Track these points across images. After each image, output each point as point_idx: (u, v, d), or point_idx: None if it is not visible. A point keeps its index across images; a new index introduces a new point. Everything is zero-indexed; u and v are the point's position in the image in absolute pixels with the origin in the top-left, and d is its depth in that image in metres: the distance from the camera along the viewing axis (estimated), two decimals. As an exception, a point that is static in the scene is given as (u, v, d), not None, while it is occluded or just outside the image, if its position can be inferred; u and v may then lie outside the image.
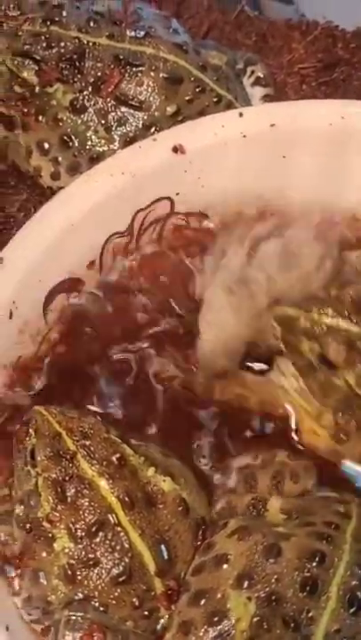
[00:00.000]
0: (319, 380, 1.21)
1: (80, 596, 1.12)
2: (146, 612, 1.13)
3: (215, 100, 1.46)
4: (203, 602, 1.09)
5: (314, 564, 1.08)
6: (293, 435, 1.25)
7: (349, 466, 1.23)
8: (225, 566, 1.10)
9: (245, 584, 1.08)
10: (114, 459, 1.15)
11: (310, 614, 1.06)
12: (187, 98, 1.45)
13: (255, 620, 1.06)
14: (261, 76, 1.55)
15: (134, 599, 1.12)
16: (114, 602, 1.12)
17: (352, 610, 1.06)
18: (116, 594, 1.12)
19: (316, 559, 1.08)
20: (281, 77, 1.62)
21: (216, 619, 1.07)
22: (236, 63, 1.55)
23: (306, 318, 1.20)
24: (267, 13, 1.77)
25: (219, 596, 1.08)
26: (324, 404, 1.21)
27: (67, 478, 1.14)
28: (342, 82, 1.61)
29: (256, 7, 1.77)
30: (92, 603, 1.12)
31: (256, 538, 1.12)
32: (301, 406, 1.24)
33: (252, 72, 1.55)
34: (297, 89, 1.61)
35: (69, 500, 1.13)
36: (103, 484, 1.14)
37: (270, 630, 1.05)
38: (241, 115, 1.37)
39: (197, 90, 1.45)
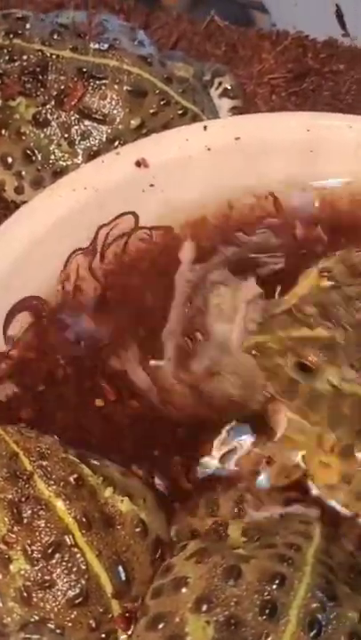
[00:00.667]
0: (304, 394, 1.18)
1: (36, 618, 1.10)
2: (103, 635, 1.11)
3: (180, 112, 1.45)
4: (161, 626, 1.07)
5: (274, 586, 1.06)
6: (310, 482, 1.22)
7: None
8: (184, 590, 1.08)
9: (204, 607, 1.05)
10: (71, 479, 1.13)
11: (270, 638, 1.03)
12: (151, 111, 1.43)
13: None
14: (229, 87, 1.54)
15: (91, 621, 1.10)
16: (70, 624, 1.10)
17: (312, 633, 1.03)
18: (73, 616, 1.10)
19: (276, 582, 1.06)
20: (251, 88, 1.61)
21: None
22: (204, 75, 1.54)
23: (273, 341, 1.18)
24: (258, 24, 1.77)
25: (177, 620, 1.06)
26: (317, 422, 1.19)
27: (23, 499, 1.12)
28: (312, 92, 1.60)
29: (245, 17, 1.76)
30: (49, 625, 1.10)
31: (215, 560, 1.10)
32: (302, 442, 1.22)
33: (220, 83, 1.54)
34: (267, 99, 1.60)
35: (25, 521, 1.11)
36: (60, 504, 1.12)
37: None
38: (205, 128, 1.37)
39: (162, 102, 1.44)
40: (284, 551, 1.09)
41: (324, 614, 1.05)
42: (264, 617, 1.03)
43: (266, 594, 1.05)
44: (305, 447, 1.21)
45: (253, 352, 1.19)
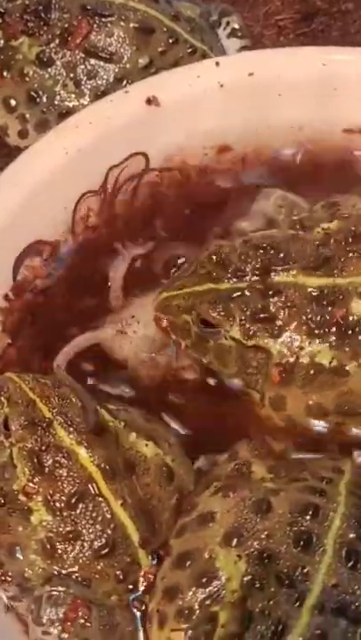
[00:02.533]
0: (213, 350, 1.17)
1: (60, 570, 1.06)
2: (130, 586, 1.07)
3: (190, 50, 1.40)
4: (188, 564, 1.04)
5: (307, 517, 1.03)
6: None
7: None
8: (211, 524, 1.06)
9: (235, 541, 1.03)
10: None
11: (305, 570, 1.00)
12: (159, 49, 1.39)
13: (247, 578, 1.01)
14: (237, 27, 1.50)
15: (118, 572, 1.06)
16: (97, 576, 1.06)
17: (350, 564, 1.01)
18: (99, 567, 1.06)
19: (310, 512, 1.04)
20: (257, 30, 1.56)
21: (205, 580, 1.02)
22: (211, 15, 1.49)
23: (177, 298, 1.17)
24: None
25: (206, 555, 1.03)
26: (235, 376, 1.17)
27: (43, 448, 1.08)
28: (321, 33, 1.56)
29: None
30: (74, 577, 1.06)
31: (243, 494, 1.07)
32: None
33: (228, 23, 1.49)
34: (274, 41, 1.55)
35: (47, 470, 1.07)
36: (82, 452, 1.08)
37: (263, 589, 1.00)
38: (218, 64, 1.32)
39: (170, 41, 1.39)
40: (316, 484, 1.08)
41: None
42: (299, 549, 1.02)
43: (299, 525, 1.03)
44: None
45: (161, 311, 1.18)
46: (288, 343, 1.12)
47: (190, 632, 1.01)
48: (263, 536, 1.03)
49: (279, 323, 1.12)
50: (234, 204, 1.30)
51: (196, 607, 1.01)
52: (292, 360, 1.12)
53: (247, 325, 1.13)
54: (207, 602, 1.01)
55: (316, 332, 1.11)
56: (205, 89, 1.30)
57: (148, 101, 1.28)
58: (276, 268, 1.14)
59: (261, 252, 1.15)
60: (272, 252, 1.15)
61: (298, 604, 0.99)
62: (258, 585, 1.01)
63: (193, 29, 1.41)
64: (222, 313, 1.14)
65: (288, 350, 1.12)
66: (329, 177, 1.31)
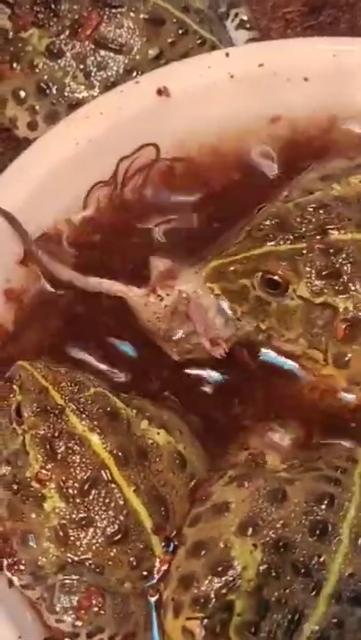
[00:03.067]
0: (276, 313, 1.16)
1: (74, 558, 1.06)
2: (144, 573, 1.07)
3: (199, 42, 1.39)
4: (203, 552, 1.04)
5: (323, 506, 1.04)
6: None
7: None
8: (226, 514, 1.05)
9: (250, 531, 1.03)
10: (105, 412, 1.09)
11: (322, 559, 1.01)
12: (169, 40, 1.38)
13: (263, 567, 1.01)
14: (246, 18, 1.49)
15: (131, 559, 1.06)
16: (110, 563, 1.06)
17: None
18: (112, 554, 1.06)
19: (325, 502, 1.04)
20: (265, 23, 1.55)
21: (220, 569, 1.02)
22: (219, 7, 1.48)
23: (234, 263, 1.16)
24: None
25: (221, 545, 1.03)
26: (297, 338, 1.17)
27: (56, 434, 1.07)
28: (329, 25, 1.54)
29: None
30: (87, 564, 1.05)
31: (258, 483, 1.07)
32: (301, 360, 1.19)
33: (236, 15, 1.49)
34: (282, 34, 1.54)
35: (60, 457, 1.07)
36: (95, 439, 1.07)
37: (279, 578, 1.00)
38: (228, 55, 1.31)
39: (180, 32, 1.38)
40: (330, 473, 1.08)
41: None
42: (315, 538, 1.02)
43: (315, 514, 1.03)
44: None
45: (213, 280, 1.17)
46: (353, 299, 1.12)
47: (206, 621, 1.01)
48: (279, 525, 1.03)
49: (343, 279, 1.13)
50: (246, 192, 1.29)
51: (212, 596, 1.01)
52: (356, 315, 1.12)
53: (315, 282, 1.13)
54: (223, 590, 1.01)
55: None
56: (216, 80, 1.30)
57: (159, 92, 1.28)
58: (332, 227, 1.14)
59: (315, 212, 1.15)
60: (324, 212, 1.15)
61: (314, 592, 1.00)
62: (274, 574, 1.01)
63: (202, 20, 1.40)
64: (291, 270, 1.13)
65: (353, 305, 1.12)
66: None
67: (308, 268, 1.13)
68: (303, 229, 1.14)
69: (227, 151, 1.33)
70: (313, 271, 1.13)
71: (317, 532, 1.02)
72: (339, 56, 1.30)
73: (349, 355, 1.14)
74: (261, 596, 1.00)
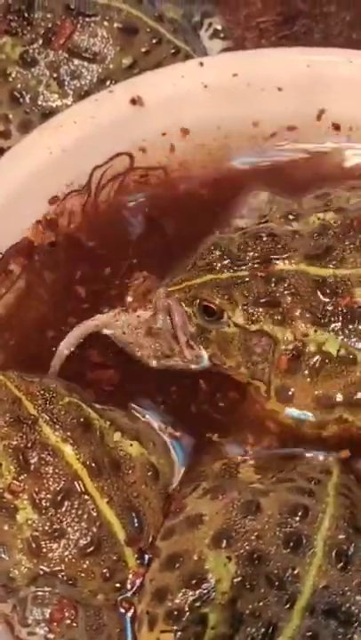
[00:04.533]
0: (216, 341, 1.16)
1: (46, 569, 1.05)
2: (117, 584, 1.06)
3: (173, 51, 1.39)
4: (177, 565, 1.03)
5: (297, 518, 1.03)
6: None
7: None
8: (199, 526, 1.05)
9: (224, 543, 1.02)
10: (78, 423, 1.08)
11: (296, 571, 1.00)
12: (143, 49, 1.38)
13: (237, 580, 1.01)
14: (220, 28, 1.49)
15: (104, 570, 1.05)
16: (83, 574, 1.05)
17: (340, 565, 1.01)
18: (85, 566, 1.05)
19: (299, 513, 1.03)
20: (239, 32, 1.55)
21: (194, 581, 1.01)
22: (193, 16, 1.48)
23: (178, 291, 1.17)
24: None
25: (195, 557, 1.03)
26: (238, 366, 1.16)
27: (29, 445, 1.07)
28: (303, 35, 1.55)
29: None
30: (60, 576, 1.05)
31: (232, 495, 1.06)
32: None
33: (210, 24, 1.49)
34: (256, 44, 1.54)
35: (32, 468, 1.06)
36: (68, 449, 1.07)
37: (253, 590, 1.00)
38: (202, 64, 1.31)
39: (154, 41, 1.38)
40: (304, 484, 1.07)
41: (351, 546, 1.02)
42: (288, 550, 1.02)
43: (289, 526, 1.03)
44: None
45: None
46: (293, 330, 1.12)
47: (180, 634, 1.01)
48: (253, 537, 1.03)
49: (283, 309, 1.12)
50: (219, 202, 1.29)
51: (186, 609, 1.01)
52: (298, 346, 1.12)
53: (250, 310, 1.13)
54: (197, 603, 1.01)
55: (322, 320, 1.11)
56: (189, 89, 1.29)
57: (133, 101, 1.28)
58: (277, 257, 1.13)
59: (260, 241, 1.15)
60: (271, 241, 1.15)
61: (288, 605, 0.99)
62: (248, 586, 1.00)
63: (176, 30, 1.40)
64: (226, 297, 1.13)
65: (294, 337, 1.12)
66: (315, 175, 1.31)
67: (244, 296, 1.13)
68: (246, 258, 1.14)
69: (200, 161, 1.33)
70: (250, 298, 1.13)
71: (291, 544, 1.02)
72: (313, 66, 1.30)
73: (292, 389, 1.13)
74: (235, 609, 0.99)
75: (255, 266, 1.13)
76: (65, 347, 1.21)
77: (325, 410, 1.14)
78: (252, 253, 1.14)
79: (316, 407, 1.14)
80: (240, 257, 1.14)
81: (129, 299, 1.20)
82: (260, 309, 1.12)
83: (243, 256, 1.14)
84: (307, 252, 1.13)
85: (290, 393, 1.13)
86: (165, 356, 1.20)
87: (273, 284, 1.12)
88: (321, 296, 1.11)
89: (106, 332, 1.21)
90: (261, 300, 1.12)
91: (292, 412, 1.15)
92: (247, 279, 1.13)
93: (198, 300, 1.15)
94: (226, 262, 1.14)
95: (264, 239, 1.15)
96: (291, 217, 1.18)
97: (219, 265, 1.14)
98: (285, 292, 1.12)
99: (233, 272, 1.14)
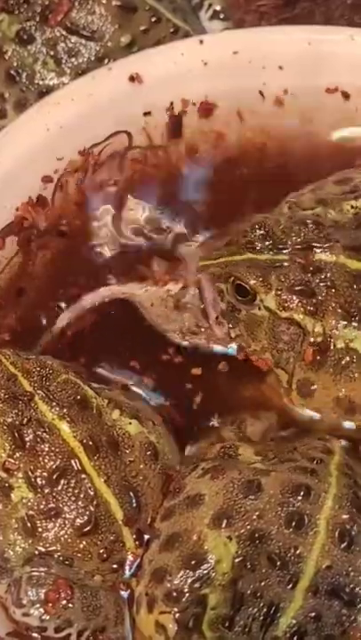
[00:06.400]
0: (244, 322, 1.15)
1: (41, 549, 1.03)
2: (115, 565, 1.04)
3: (172, 30, 1.38)
4: (176, 546, 1.01)
5: (299, 497, 1.01)
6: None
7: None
8: (199, 506, 1.03)
9: (224, 523, 1.01)
10: (75, 401, 1.06)
11: (298, 551, 0.98)
12: (142, 28, 1.36)
13: (237, 560, 0.99)
14: (219, 8, 1.47)
15: (101, 551, 1.03)
16: (79, 554, 1.03)
17: (343, 545, 0.99)
18: (82, 546, 1.03)
19: (301, 493, 1.02)
20: (238, 16, 1.52)
21: (193, 562, 0.99)
22: (192, -3, 1.46)
23: (214, 265, 1.15)
24: None
25: (195, 537, 1.01)
26: (263, 351, 1.15)
27: (24, 422, 1.04)
28: (304, 18, 1.52)
29: None
30: (56, 556, 1.02)
31: (232, 475, 1.04)
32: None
33: (210, 5, 1.47)
34: (256, 27, 1.51)
35: (28, 445, 1.04)
36: (64, 427, 1.04)
37: (255, 570, 0.98)
38: (201, 42, 1.29)
39: (153, 20, 1.36)
40: (306, 464, 1.06)
41: (354, 526, 1.01)
42: (291, 529, 1.00)
43: (291, 506, 1.01)
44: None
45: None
46: (324, 323, 1.10)
47: (179, 615, 0.99)
48: (254, 517, 1.01)
49: (317, 300, 1.10)
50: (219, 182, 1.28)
51: (186, 590, 0.99)
52: (326, 341, 1.10)
53: (283, 296, 1.11)
54: (196, 584, 0.99)
55: (354, 316, 1.09)
56: (189, 67, 1.27)
57: (132, 78, 1.26)
58: (319, 246, 1.12)
59: (305, 227, 1.13)
60: (315, 229, 1.13)
61: (291, 585, 0.98)
62: (249, 566, 0.98)
63: (175, 10, 1.39)
64: (260, 279, 1.11)
65: (323, 330, 1.10)
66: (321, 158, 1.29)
67: (280, 280, 1.11)
68: (288, 242, 1.13)
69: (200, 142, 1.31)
70: (285, 284, 1.11)
71: (293, 523, 1.00)
72: (314, 44, 1.28)
73: (315, 385, 1.12)
74: (236, 590, 0.98)
75: (296, 252, 1.12)
76: (86, 303, 1.21)
77: (345, 413, 1.12)
78: (295, 238, 1.13)
79: (335, 409, 1.12)
80: (283, 240, 1.13)
81: (156, 268, 1.19)
82: (294, 297, 1.11)
83: (285, 240, 1.13)
84: (346, 243, 1.12)
85: (312, 388, 1.12)
86: (192, 333, 1.18)
87: (310, 274, 1.11)
88: (356, 291, 1.10)
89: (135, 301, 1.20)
90: (296, 288, 1.10)
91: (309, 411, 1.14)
92: (286, 264, 1.11)
93: (233, 278, 1.13)
94: (267, 243, 1.13)
95: (309, 226, 1.13)
96: (325, 204, 1.17)
97: (260, 245, 1.13)
98: (321, 284, 1.10)
99: (273, 255, 1.12)
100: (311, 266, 1.11)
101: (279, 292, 1.11)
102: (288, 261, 1.11)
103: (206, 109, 1.28)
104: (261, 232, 1.13)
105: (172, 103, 1.27)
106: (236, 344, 1.17)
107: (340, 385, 1.11)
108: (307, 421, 1.15)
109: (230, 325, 1.16)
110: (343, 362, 1.10)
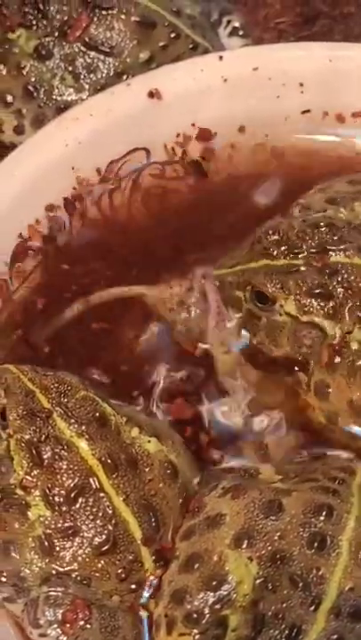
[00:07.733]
0: (265, 328, 1.14)
1: (59, 569, 1.00)
2: (133, 586, 1.01)
3: (191, 46, 1.37)
4: (197, 566, 0.99)
5: (321, 518, 0.99)
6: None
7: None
8: (220, 526, 1.01)
9: (245, 543, 0.99)
10: (93, 418, 1.04)
11: (320, 572, 0.96)
12: (161, 44, 1.35)
13: (259, 581, 0.97)
14: (238, 25, 1.46)
15: (120, 570, 1.01)
16: (97, 574, 1.01)
17: None
18: (100, 565, 1.01)
19: (324, 513, 1.00)
20: (257, 34, 1.52)
21: (214, 583, 0.97)
22: (211, 15, 1.46)
23: (230, 274, 1.16)
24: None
25: (215, 558, 0.99)
26: (281, 354, 1.14)
27: (42, 439, 1.03)
28: (323, 36, 1.52)
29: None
30: (73, 576, 1.00)
31: (253, 495, 1.02)
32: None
33: (229, 22, 1.46)
34: (275, 44, 1.51)
35: (46, 462, 1.02)
36: (83, 444, 1.03)
37: (276, 591, 0.96)
38: (221, 58, 1.29)
39: (172, 36, 1.36)
40: (328, 484, 1.04)
41: None
42: (313, 550, 0.98)
43: (313, 526, 0.99)
44: None
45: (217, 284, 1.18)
46: (342, 325, 1.09)
47: (199, 636, 0.97)
48: (275, 537, 0.99)
49: (335, 302, 1.09)
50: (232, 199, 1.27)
51: (206, 611, 0.97)
52: (342, 343, 1.09)
53: (303, 300, 1.10)
54: (217, 605, 0.97)
55: None
56: (209, 83, 1.27)
57: (151, 94, 1.26)
58: (334, 248, 1.11)
59: (319, 230, 1.12)
60: (328, 232, 1.12)
61: (313, 607, 0.96)
62: (270, 587, 0.97)
63: (194, 26, 1.38)
64: (279, 285, 1.11)
65: (340, 332, 1.09)
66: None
67: (298, 285, 1.10)
68: (303, 246, 1.12)
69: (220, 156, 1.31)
70: (303, 288, 1.10)
71: (316, 544, 0.98)
72: (335, 61, 1.27)
73: (331, 388, 1.11)
74: (257, 611, 0.96)
75: (311, 255, 1.11)
76: (101, 296, 1.21)
77: (358, 417, 1.11)
78: (309, 242, 1.12)
79: (350, 413, 1.11)
80: (298, 245, 1.12)
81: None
82: (313, 301, 1.10)
83: (300, 244, 1.12)
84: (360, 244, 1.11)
85: (328, 390, 1.11)
86: (196, 339, 1.18)
87: (327, 276, 1.10)
88: None
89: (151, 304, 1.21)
90: (314, 292, 1.10)
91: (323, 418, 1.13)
92: (302, 268, 1.11)
93: (251, 286, 1.13)
94: (283, 249, 1.12)
95: (322, 229, 1.13)
96: (335, 204, 1.17)
97: (276, 251, 1.12)
98: (337, 286, 1.09)
99: (289, 260, 1.12)
100: (327, 268, 1.10)
101: (298, 297, 1.10)
102: (304, 265, 1.11)
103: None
104: (276, 237, 1.13)
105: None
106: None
107: (354, 387, 1.09)
108: (325, 429, 1.14)
109: (251, 333, 1.16)
110: (358, 363, 1.09)
